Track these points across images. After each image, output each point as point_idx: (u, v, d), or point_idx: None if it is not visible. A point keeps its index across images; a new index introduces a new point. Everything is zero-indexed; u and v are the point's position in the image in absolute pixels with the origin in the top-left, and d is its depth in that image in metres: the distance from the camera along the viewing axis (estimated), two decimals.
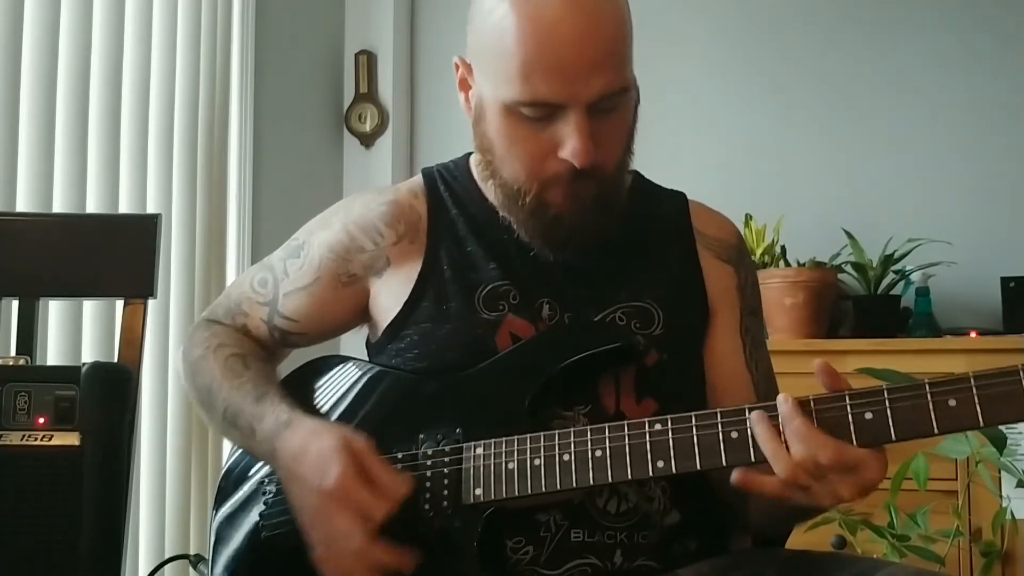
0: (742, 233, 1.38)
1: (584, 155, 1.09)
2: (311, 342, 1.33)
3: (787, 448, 0.99)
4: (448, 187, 1.29)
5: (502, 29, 1.09)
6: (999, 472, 2.15)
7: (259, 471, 1.25)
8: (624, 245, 1.24)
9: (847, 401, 1.00)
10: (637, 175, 1.31)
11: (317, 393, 1.25)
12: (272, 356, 1.33)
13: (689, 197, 1.34)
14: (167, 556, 2.38)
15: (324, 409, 1.24)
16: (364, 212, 1.28)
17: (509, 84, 1.09)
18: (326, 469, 1.08)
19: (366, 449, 1.10)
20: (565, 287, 1.20)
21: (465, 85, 1.21)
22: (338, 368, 1.27)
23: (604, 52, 1.08)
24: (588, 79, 1.07)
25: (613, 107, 1.12)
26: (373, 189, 1.35)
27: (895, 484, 1.99)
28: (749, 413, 1.02)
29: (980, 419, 0.96)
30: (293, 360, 1.35)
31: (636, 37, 1.15)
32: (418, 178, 1.31)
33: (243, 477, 1.26)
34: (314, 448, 1.10)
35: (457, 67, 1.21)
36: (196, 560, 1.89)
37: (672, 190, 1.33)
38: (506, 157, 1.15)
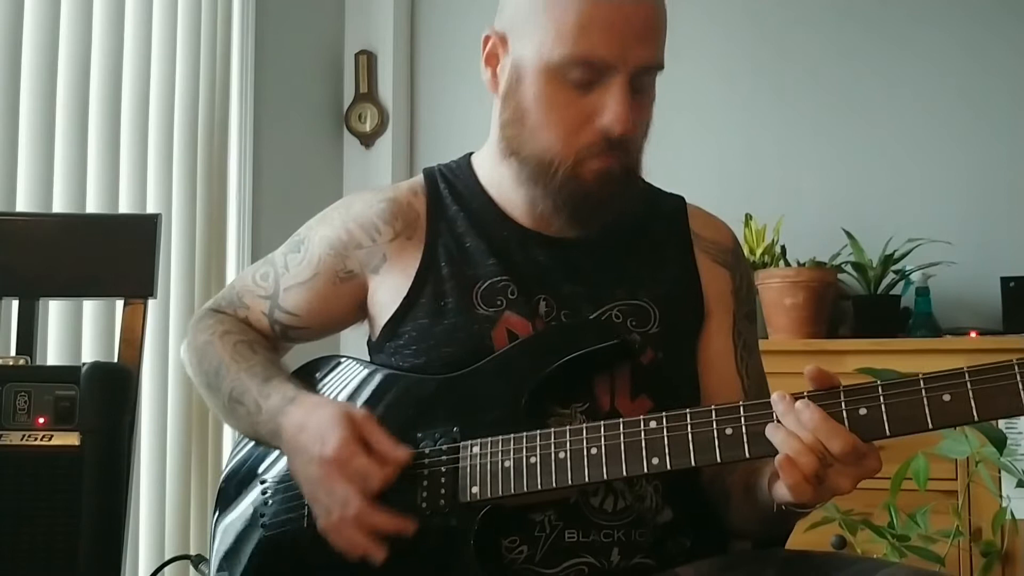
0: (741, 233, 1.39)
1: (625, 122, 1.11)
2: (312, 337, 1.34)
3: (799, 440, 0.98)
4: (449, 184, 1.29)
5: None
6: (999, 472, 2.15)
7: (260, 473, 1.25)
8: (622, 244, 1.24)
9: (841, 397, 0.99)
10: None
11: (316, 393, 1.25)
12: (275, 349, 1.33)
13: (689, 197, 1.34)
14: (167, 556, 2.38)
15: None
16: (363, 209, 1.29)
17: (561, 41, 1.10)
18: (326, 438, 1.10)
19: (366, 419, 1.11)
20: (562, 284, 1.21)
21: (493, 59, 1.20)
22: (337, 368, 1.28)
23: (656, 22, 1.13)
24: (640, 44, 1.11)
25: (646, 86, 1.15)
26: (375, 188, 1.35)
27: (895, 484, 1.99)
28: (744, 410, 1.02)
29: (975, 414, 0.95)
30: (294, 358, 1.35)
31: None
32: (419, 177, 1.32)
33: (244, 479, 1.27)
34: (315, 419, 1.12)
35: (487, 40, 1.21)
36: (197, 560, 1.89)
37: (671, 193, 1.34)
38: (541, 125, 1.15)
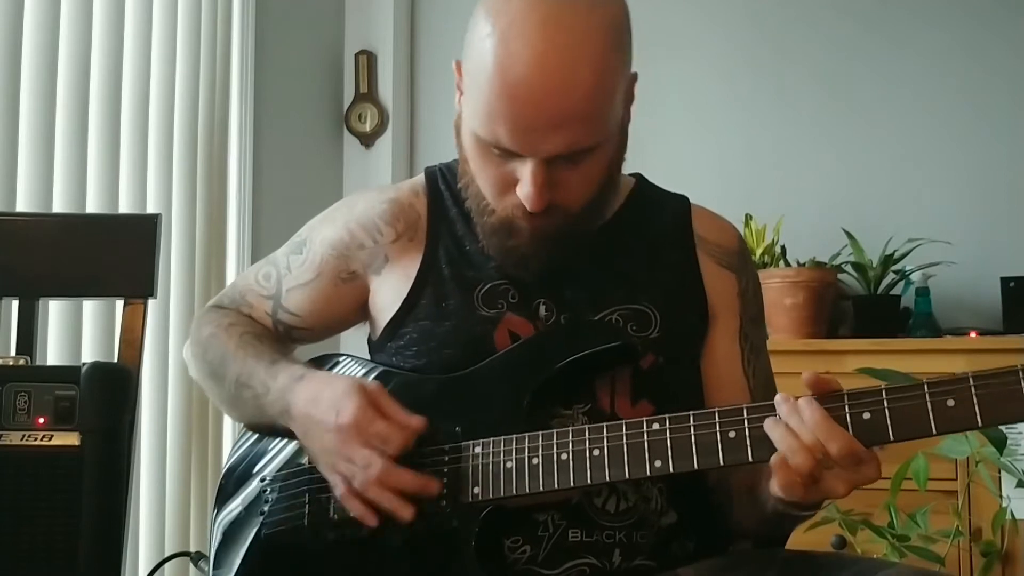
0: (743, 234, 1.38)
1: (535, 202, 1.09)
2: (315, 338, 1.34)
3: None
4: (449, 186, 1.29)
5: (481, 64, 1.06)
6: (999, 472, 2.15)
7: (259, 469, 1.25)
8: (623, 248, 1.24)
9: (845, 401, 0.99)
10: (640, 178, 1.32)
11: None
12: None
13: (689, 197, 1.33)
14: (167, 554, 2.38)
15: None
16: (365, 210, 1.29)
17: (477, 119, 1.09)
18: (341, 407, 1.10)
19: (379, 390, 1.12)
20: (563, 288, 1.21)
21: (459, 88, 1.19)
22: (339, 366, 1.28)
23: (569, 112, 1.05)
24: (546, 137, 1.06)
25: (578, 161, 1.10)
26: (377, 187, 1.35)
27: (895, 484, 1.99)
28: (747, 413, 1.02)
29: (979, 420, 0.95)
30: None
31: (637, 37, 1.14)
32: (420, 177, 1.32)
33: (244, 476, 1.27)
34: (328, 391, 1.13)
35: (457, 66, 1.20)
36: (197, 557, 1.89)
37: (675, 194, 1.33)
38: (476, 173, 1.16)
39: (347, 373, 1.26)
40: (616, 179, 1.20)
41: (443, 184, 1.29)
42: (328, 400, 1.12)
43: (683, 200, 1.32)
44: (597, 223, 1.20)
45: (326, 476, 1.14)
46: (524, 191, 1.09)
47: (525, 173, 1.08)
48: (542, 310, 1.20)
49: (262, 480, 1.24)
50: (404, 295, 1.23)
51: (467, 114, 1.13)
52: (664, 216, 1.29)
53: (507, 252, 1.17)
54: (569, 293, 1.21)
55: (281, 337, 1.32)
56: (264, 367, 1.21)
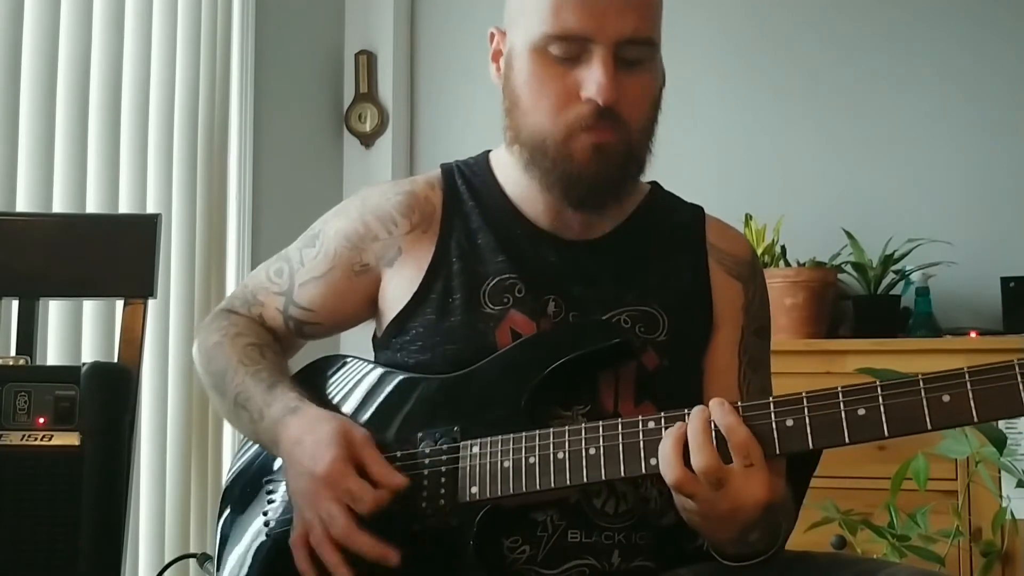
0: (743, 235, 1.38)
1: (607, 91, 1.11)
2: (327, 333, 1.33)
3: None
4: (466, 180, 1.29)
5: None
6: (999, 472, 2.15)
7: (265, 474, 1.25)
8: (636, 250, 1.24)
9: (840, 398, 0.99)
10: (655, 185, 1.32)
11: (319, 394, 1.25)
12: (287, 349, 1.33)
13: (689, 197, 1.34)
14: (167, 556, 2.38)
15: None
16: (380, 202, 1.28)
17: (540, 21, 1.13)
18: (319, 455, 1.09)
19: (363, 440, 1.11)
20: (573, 286, 1.21)
21: (498, 55, 1.23)
22: (341, 368, 1.28)
23: None
24: (617, 15, 1.11)
25: (639, 59, 1.15)
26: (390, 181, 1.35)
27: (895, 484, 1.99)
28: (742, 411, 1.02)
29: (975, 415, 0.94)
30: (299, 358, 1.35)
31: None
32: (436, 171, 1.32)
33: (249, 480, 1.27)
34: (313, 435, 1.12)
35: (492, 36, 1.24)
36: (203, 559, 1.89)
37: (690, 203, 1.33)
38: (532, 105, 1.16)
39: (352, 375, 1.26)
40: (656, 123, 1.21)
41: (459, 178, 1.29)
42: (309, 444, 1.11)
43: (698, 208, 1.33)
44: (645, 159, 1.20)
45: (294, 516, 1.13)
46: (595, 81, 1.11)
47: (595, 69, 1.11)
48: (551, 307, 1.20)
49: (267, 483, 1.24)
50: (415, 288, 1.23)
51: (522, 36, 1.16)
52: (677, 221, 1.30)
53: (568, 182, 1.16)
54: (580, 291, 1.21)
55: (292, 333, 1.32)
56: (262, 392, 1.20)
